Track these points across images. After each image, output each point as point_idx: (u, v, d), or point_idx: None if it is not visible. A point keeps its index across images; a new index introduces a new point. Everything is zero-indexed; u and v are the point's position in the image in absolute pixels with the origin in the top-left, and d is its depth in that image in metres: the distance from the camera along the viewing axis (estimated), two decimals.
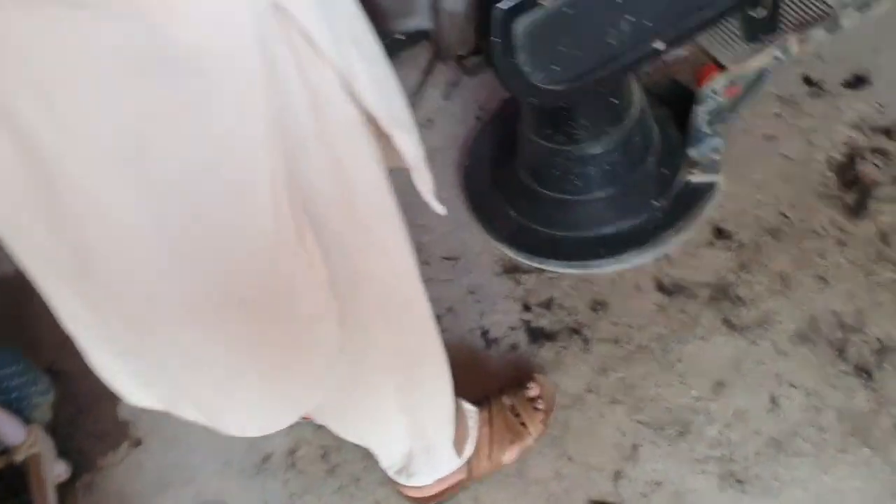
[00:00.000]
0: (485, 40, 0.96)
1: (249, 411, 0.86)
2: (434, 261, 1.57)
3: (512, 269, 1.51)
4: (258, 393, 0.84)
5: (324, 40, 0.64)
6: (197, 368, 0.79)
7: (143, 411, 1.48)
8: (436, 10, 0.89)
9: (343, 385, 0.93)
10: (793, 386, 1.26)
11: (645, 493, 1.22)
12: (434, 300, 1.49)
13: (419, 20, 0.90)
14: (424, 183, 0.85)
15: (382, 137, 0.79)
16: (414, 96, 1.00)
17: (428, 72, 1.01)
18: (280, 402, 0.87)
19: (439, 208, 0.89)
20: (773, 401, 1.25)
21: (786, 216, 1.42)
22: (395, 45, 0.97)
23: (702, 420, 1.26)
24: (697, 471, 1.22)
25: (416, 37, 0.94)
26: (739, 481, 1.20)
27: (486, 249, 1.55)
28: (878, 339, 1.27)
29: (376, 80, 0.74)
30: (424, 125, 1.76)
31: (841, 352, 1.27)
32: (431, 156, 1.68)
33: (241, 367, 0.80)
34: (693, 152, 1.46)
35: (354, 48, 0.70)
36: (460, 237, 1.58)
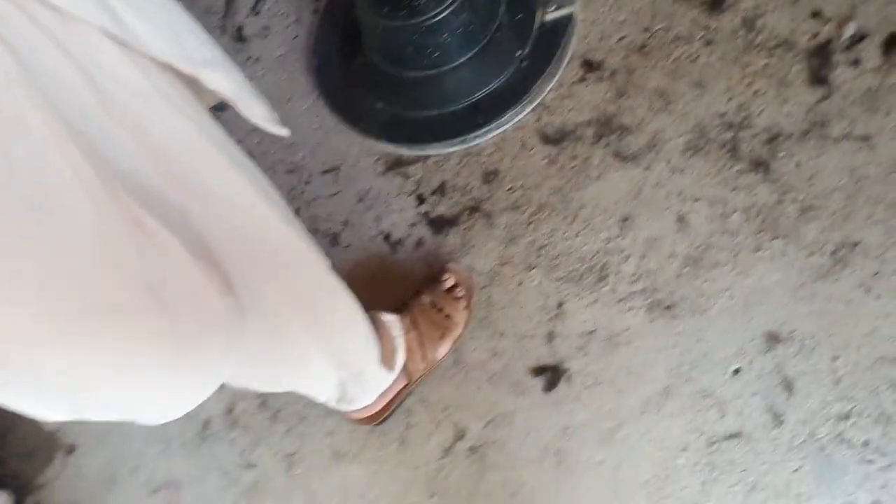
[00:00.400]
0: None
1: (160, 402, 0.81)
2: (314, 177, 1.49)
3: (395, 164, 1.44)
4: (163, 386, 0.78)
5: (67, 3, 0.55)
6: (85, 385, 0.73)
7: None
8: None
9: (250, 345, 0.87)
10: (695, 199, 1.25)
11: (580, 346, 1.22)
12: (327, 217, 1.45)
13: None
14: (254, 113, 0.77)
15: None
16: (225, 19, 0.89)
17: None
18: (190, 385, 0.81)
19: (282, 131, 0.83)
20: (680, 219, 1.24)
21: (649, 30, 1.37)
22: None
23: (617, 259, 1.25)
24: (624, 309, 1.22)
25: None
26: (667, 308, 1.20)
27: (364, 150, 1.47)
28: (766, 129, 1.25)
29: (157, 25, 0.65)
30: (260, 35, 1.63)
31: (733, 152, 1.25)
32: (278, 64, 1.59)
33: (135, 370, 0.74)
34: None
35: (124, 3, 0.61)
36: (333, 145, 1.50)
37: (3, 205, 0.55)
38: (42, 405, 0.77)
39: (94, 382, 0.73)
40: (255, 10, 0.95)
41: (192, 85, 0.76)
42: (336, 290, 0.97)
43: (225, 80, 0.72)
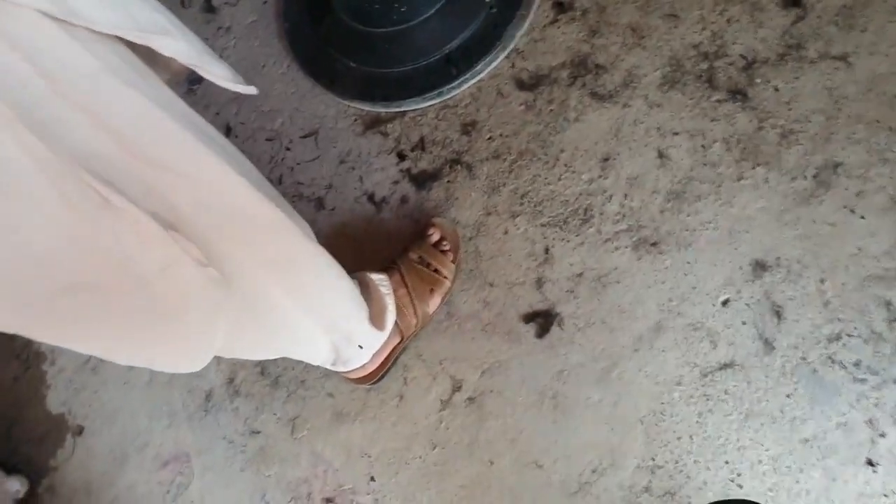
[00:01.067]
0: None
1: (158, 364, 0.82)
2: (295, 143, 1.48)
3: (373, 123, 1.43)
4: (156, 354, 0.80)
5: None
6: (81, 347, 0.75)
7: (73, 399, 1.44)
8: None
9: (236, 314, 0.88)
10: (675, 133, 1.24)
11: (570, 289, 1.22)
12: (310, 182, 1.45)
13: None
14: (217, 75, 0.77)
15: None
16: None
17: None
18: (182, 353, 0.82)
19: (250, 90, 0.83)
20: (661, 155, 1.23)
21: None
22: None
23: (600, 200, 1.24)
24: (611, 249, 1.22)
25: None
26: (653, 244, 1.20)
27: (341, 112, 1.46)
28: (742, 56, 1.24)
29: None
30: (229, 3, 1.61)
31: (710, 82, 1.24)
32: (249, 31, 1.58)
33: (123, 343, 0.75)
34: None
35: None
36: (310, 109, 1.48)
37: None
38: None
39: (86, 350, 0.75)
40: None
41: (149, 57, 0.75)
42: (315, 255, 0.97)
43: (181, 44, 0.72)
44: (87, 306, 0.69)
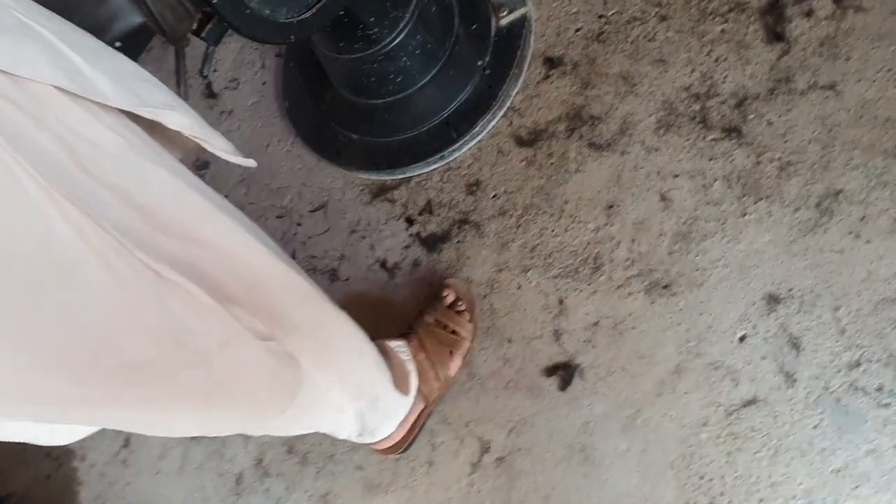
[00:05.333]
0: (201, 3, 0.86)
1: (199, 432, 0.84)
2: (305, 217, 1.51)
3: (380, 191, 1.46)
4: (202, 427, 0.82)
5: (18, 68, 0.57)
6: (122, 426, 0.76)
7: (106, 492, 1.45)
8: (137, 0, 0.80)
9: None
10: (675, 175, 1.25)
11: (587, 339, 1.23)
12: (323, 255, 1.48)
13: (127, 19, 0.80)
14: (219, 148, 0.79)
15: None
16: (179, 87, 0.92)
17: (179, 57, 0.92)
18: (234, 426, 0.84)
19: (248, 162, 0.84)
20: (664, 198, 1.25)
21: (603, 16, 1.38)
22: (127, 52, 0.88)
23: (608, 247, 1.26)
24: (624, 295, 1.23)
25: (141, 36, 0.84)
26: (665, 287, 1.21)
27: (347, 183, 1.50)
28: (733, 94, 1.26)
29: (112, 76, 0.67)
30: (230, 87, 1.66)
31: (704, 122, 1.26)
32: (252, 113, 1.62)
33: (172, 419, 0.76)
34: None
35: (78, 54, 0.63)
36: (318, 183, 1.52)
37: (13, 280, 0.56)
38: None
39: (130, 427, 0.76)
40: (202, 74, 0.97)
41: (158, 135, 0.78)
42: (339, 318, 0.98)
43: (185, 118, 0.74)
44: (143, 385, 0.69)
